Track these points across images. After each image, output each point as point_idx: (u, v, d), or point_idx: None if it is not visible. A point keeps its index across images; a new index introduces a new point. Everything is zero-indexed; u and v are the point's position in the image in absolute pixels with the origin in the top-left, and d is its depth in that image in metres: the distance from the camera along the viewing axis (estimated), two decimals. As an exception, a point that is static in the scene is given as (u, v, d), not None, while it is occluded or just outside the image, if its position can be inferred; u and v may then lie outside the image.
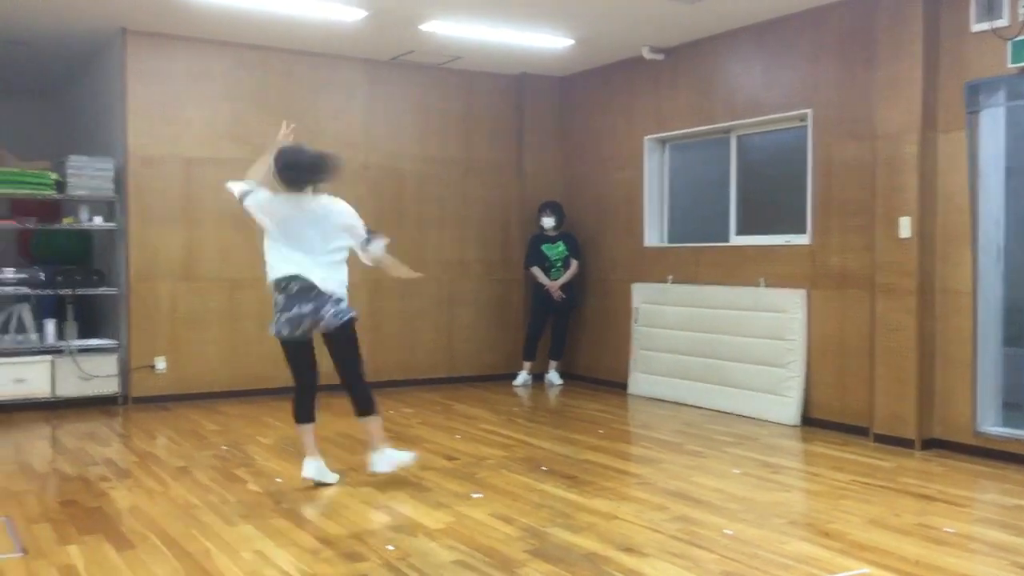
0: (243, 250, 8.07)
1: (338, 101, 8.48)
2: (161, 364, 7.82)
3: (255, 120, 8.09)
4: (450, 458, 5.78)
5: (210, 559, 3.85)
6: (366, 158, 8.61)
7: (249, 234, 8.20)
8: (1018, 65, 5.52)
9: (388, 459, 5.18)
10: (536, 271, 8.87)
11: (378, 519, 4.42)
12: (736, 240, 7.72)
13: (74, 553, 3.92)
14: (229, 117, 8.04)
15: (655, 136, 8.37)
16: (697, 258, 7.89)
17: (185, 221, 7.91)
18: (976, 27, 5.80)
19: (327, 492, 4.94)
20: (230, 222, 8.02)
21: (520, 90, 9.29)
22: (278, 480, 5.21)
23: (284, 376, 8.36)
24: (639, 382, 8.35)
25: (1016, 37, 5.50)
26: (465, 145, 9.08)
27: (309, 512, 4.55)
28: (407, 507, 4.64)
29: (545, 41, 7.87)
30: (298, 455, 5.82)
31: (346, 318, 4.99)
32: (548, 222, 8.83)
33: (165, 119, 7.80)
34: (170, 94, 7.82)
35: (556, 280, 8.80)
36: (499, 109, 9.23)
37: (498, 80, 9.20)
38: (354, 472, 5.38)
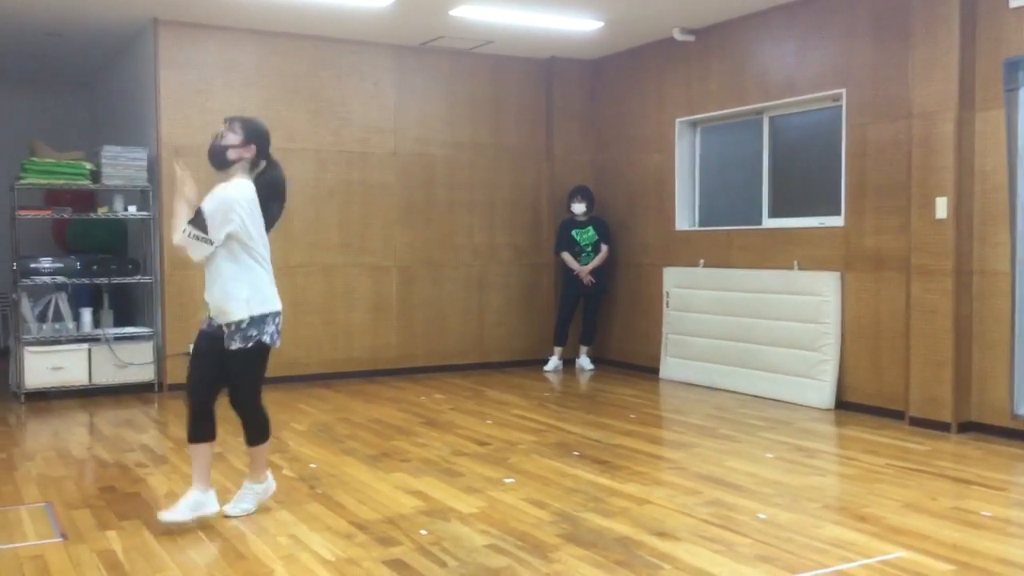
0: (275, 238, 8.03)
1: (367, 88, 8.49)
2: (196, 351, 7.90)
3: (285, 108, 8.13)
4: (482, 443, 5.80)
5: (246, 544, 3.90)
6: (396, 144, 8.62)
7: (282, 222, 8.26)
8: (1058, 40, 5.40)
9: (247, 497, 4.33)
10: (566, 256, 8.85)
11: (411, 504, 4.45)
12: (769, 223, 7.64)
13: (113, 538, 3.99)
14: (260, 104, 8.06)
15: (686, 119, 8.30)
16: (729, 241, 7.83)
17: (218, 209, 7.96)
18: (1015, 3, 5.67)
19: (361, 477, 4.97)
20: (262, 210, 8.09)
21: (550, 74, 9.25)
22: (312, 466, 5.25)
23: (318, 362, 8.54)
24: (671, 367, 8.32)
25: (1056, 12, 5.38)
26: (495, 130, 9.06)
27: (343, 497, 4.59)
28: (440, 492, 4.67)
29: (575, 24, 7.82)
30: (332, 441, 5.88)
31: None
32: (579, 208, 8.79)
33: (197, 108, 7.85)
34: (202, 83, 7.88)
35: (586, 265, 8.77)
36: (529, 93, 9.19)
37: (528, 64, 9.16)
38: (387, 458, 5.42)
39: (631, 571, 3.53)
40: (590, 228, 8.82)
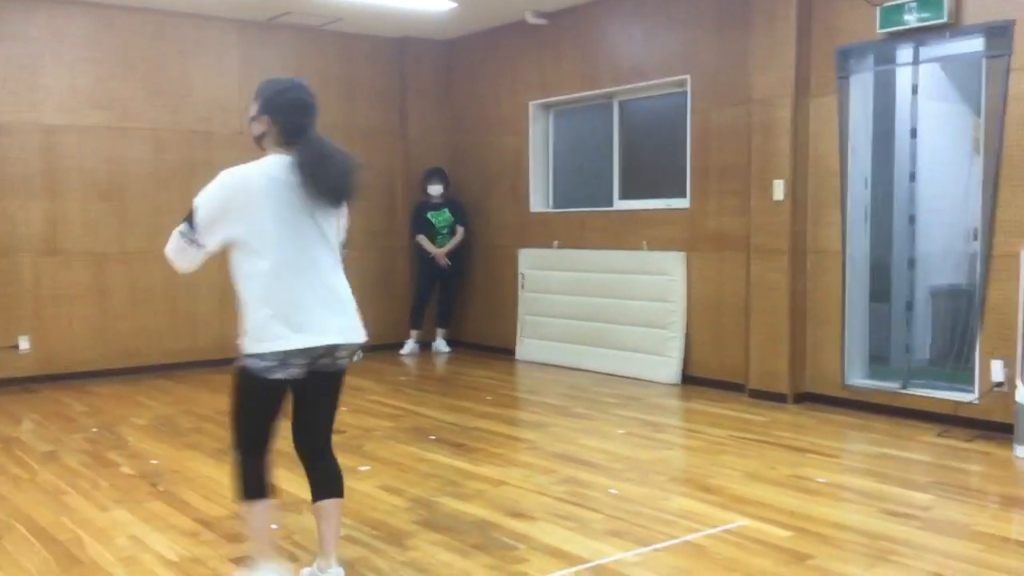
0: (110, 223, 7.70)
1: (210, 64, 8.12)
2: (24, 344, 7.40)
3: (120, 84, 7.69)
4: (336, 431, 5.66)
5: (82, 547, 3.67)
6: (241, 124, 8.30)
7: (117, 206, 7.86)
8: (886, 31, 5.71)
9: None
10: (422, 239, 8.77)
11: (261, 496, 4.30)
12: (619, 205, 7.81)
13: (-71, 548, 3.68)
14: (93, 81, 7.60)
15: (540, 102, 8.36)
16: (582, 223, 7.96)
17: (46, 192, 7.45)
18: (844, -6, 5.98)
19: (207, 472, 4.78)
20: (95, 193, 7.64)
21: (403, 54, 9.11)
22: (153, 462, 5.01)
23: (160, 352, 8.14)
24: (527, 347, 8.40)
25: (885, 3, 5.70)
26: (347, 110, 8.86)
27: (187, 494, 4.39)
28: (291, 484, 4.52)
29: (426, 3, 7.72)
30: (175, 435, 5.63)
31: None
32: (435, 189, 8.71)
33: (25, 84, 7.31)
34: (28, 58, 7.33)
35: (442, 247, 8.73)
36: (381, 74, 9.03)
37: (380, 43, 8.99)
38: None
39: (487, 554, 3.54)
40: (445, 210, 8.76)
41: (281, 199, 2.98)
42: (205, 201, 3.02)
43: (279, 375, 3.00)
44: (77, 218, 7.58)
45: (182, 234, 3.06)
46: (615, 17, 7.57)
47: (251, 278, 3.06)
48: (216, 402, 6.58)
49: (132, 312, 7.81)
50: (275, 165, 3.01)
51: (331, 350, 3.05)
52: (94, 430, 5.79)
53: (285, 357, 2.97)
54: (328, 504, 3.18)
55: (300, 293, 3.01)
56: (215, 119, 8.16)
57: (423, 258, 8.82)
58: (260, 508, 3.10)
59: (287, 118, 3.08)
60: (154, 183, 7.87)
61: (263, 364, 2.98)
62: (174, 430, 5.76)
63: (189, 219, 3.04)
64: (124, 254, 7.76)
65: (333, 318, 3.05)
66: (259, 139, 3.15)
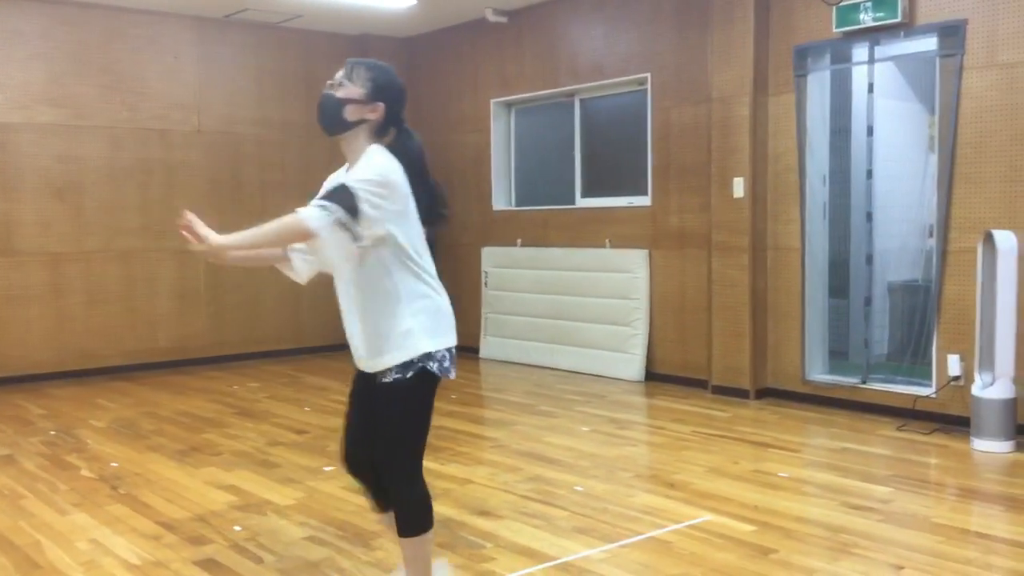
0: (65, 222, 7.57)
1: (166, 61, 8.01)
2: (-22, 346, 7.25)
3: (75, 81, 7.55)
4: (300, 432, 5.64)
5: (41, 552, 3.60)
6: (199, 122, 8.20)
7: (72, 205, 7.72)
8: (843, 30, 5.80)
9: None
10: None
11: (223, 500, 4.26)
12: (582, 203, 7.84)
13: None
14: (46, 78, 7.46)
15: (501, 99, 8.35)
16: (545, 221, 7.97)
17: (-1, 191, 7.32)
18: (802, -6, 6.05)
19: (168, 474, 4.71)
20: (49, 192, 7.50)
21: (363, 51, 9.02)
22: (114, 464, 4.93)
23: (118, 353, 8.01)
24: (491, 346, 8.40)
25: (841, 3, 5.77)
26: (307, 108, 8.76)
27: (149, 497, 4.33)
28: (254, 485, 4.50)
29: (387, 0, 7.68)
30: (135, 437, 5.54)
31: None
32: None
33: (-29, 80, 7.17)
34: (-24, 52, 7.18)
35: None
36: (340, 71, 8.95)
37: (339, 41, 8.93)
38: (196, 452, 5.16)
39: (454, 552, 3.53)
40: None
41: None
42: (370, 186, 2.52)
43: (453, 374, 2.74)
44: (31, 217, 7.43)
45: (342, 224, 2.47)
46: (575, 15, 7.59)
47: (415, 278, 2.71)
48: (178, 403, 6.51)
49: (89, 313, 7.68)
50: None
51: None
52: (52, 433, 5.69)
53: (449, 354, 2.76)
54: (386, 517, 2.92)
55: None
56: (172, 117, 8.05)
57: None
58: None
59: (398, 107, 2.74)
60: (110, 181, 7.74)
61: (446, 364, 2.72)
62: (134, 432, 5.67)
63: (338, 201, 2.48)
64: (80, 254, 7.62)
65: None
66: (349, 125, 2.70)
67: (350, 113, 2.69)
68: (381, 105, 2.70)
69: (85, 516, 4.04)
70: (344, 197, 2.48)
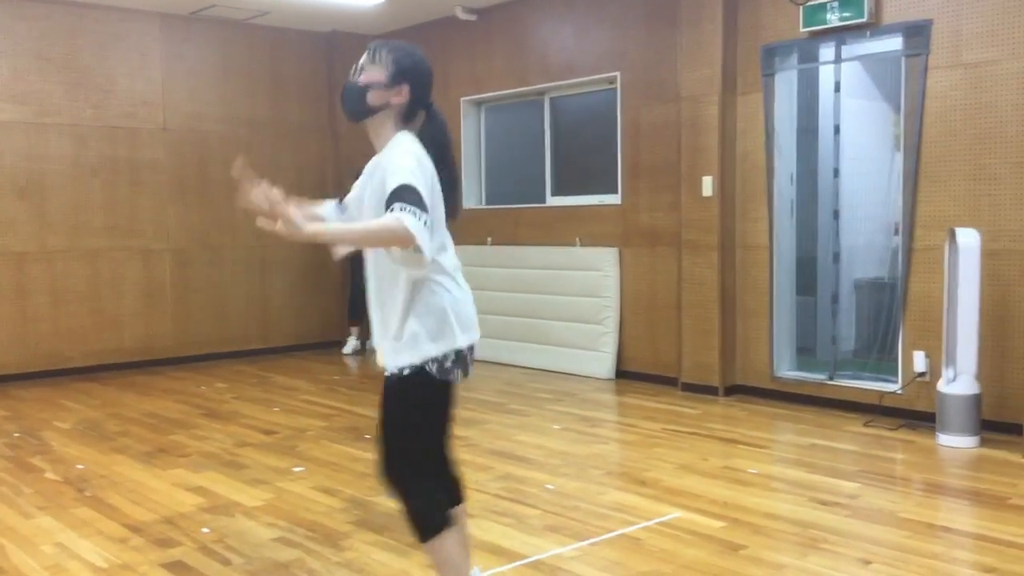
0: (29, 221, 7.45)
1: (132, 58, 7.91)
2: (-61, 347, 7.13)
3: (38, 78, 7.44)
4: (268, 432, 5.60)
5: (5, 556, 3.55)
6: (165, 119, 8.11)
7: (36, 204, 7.60)
8: (809, 29, 5.84)
9: None
10: None
11: (191, 501, 4.21)
12: (552, 201, 7.84)
13: None
14: (9, 75, 7.33)
15: (471, 98, 8.34)
16: (516, 219, 7.97)
17: (-40, 189, 7.19)
18: (769, -6, 6.10)
19: (135, 476, 4.65)
20: (12, 191, 7.38)
21: (331, 49, 9.00)
22: (79, 466, 4.86)
23: (83, 354, 7.90)
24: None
25: (808, 3, 5.82)
26: (274, 106, 8.72)
27: (115, 499, 4.27)
28: (223, 487, 4.45)
29: (355, -2, 7.64)
30: (101, 438, 5.47)
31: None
32: None
33: (-70, 76, 7.04)
34: (-65, 48, 7.05)
35: None
36: (310, 69, 8.90)
37: (308, 38, 8.86)
38: (163, 454, 5.11)
39: (424, 552, 3.51)
40: None
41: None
42: (421, 177, 2.45)
43: (454, 377, 2.67)
44: (-7, 217, 7.32)
45: (427, 225, 2.38)
46: (545, 14, 7.59)
47: (429, 272, 2.61)
48: (145, 404, 6.43)
49: (54, 313, 7.57)
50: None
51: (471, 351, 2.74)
52: (16, 435, 5.59)
53: (456, 356, 2.67)
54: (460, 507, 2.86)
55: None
56: (138, 114, 7.95)
57: (355, 252, 8.54)
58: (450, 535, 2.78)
59: (424, 89, 2.65)
60: (75, 180, 7.63)
61: (447, 365, 2.64)
62: (100, 434, 5.60)
63: (417, 203, 2.37)
64: (44, 253, 7.51)
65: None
66: (372, 111, 2.62)
67: (373, 98, 2.61)
68: (406, 87, 2.61)
69: (50, 519, 3.98)
70: (418, 198, 2.37)
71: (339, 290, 9.02)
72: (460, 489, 2.91)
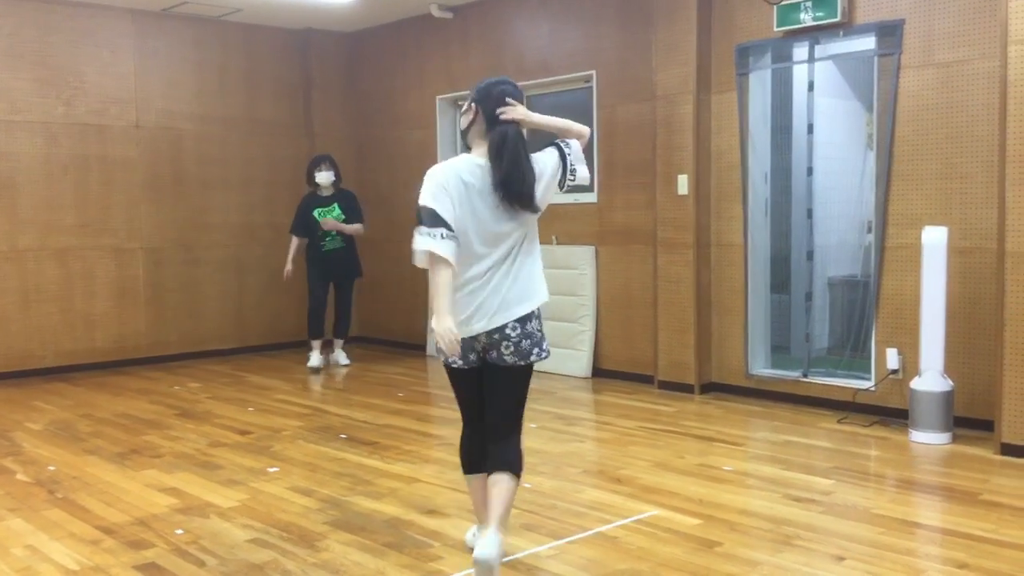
0: (1, 218, 7.36)
1: (103, 55, 7.82)
2: (-94, 348, 7.02)
3: (8, 75, 7.34)
4: (243, 432, 5.56)
5: (-28, 561, 3.50)
6: (138, 116, 8.02)
7: (6, 202, 7.49)
8: (783, 29, 5.88)
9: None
10: (294, 243, 7.72)
11: (165, 503, 4.17)
12: (527, 199, 7.82)
13: None
14: (-25, 71, 7.24)
15: (447, 96, 8.32)
16: (490, 218, 7.93)
17: (-73, 187, 7.08)
18: (742, -9, 6.12)
19: (107, 478, 4.60)
20: (-18, 188, 7.28)
21: (306, 46, 8.95)
22: (50, 468, 4.80)
23: (54, 354, 7.81)
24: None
25: (782, 2, 5.86)
26: (248, 104, 8.66)
27: (87, 500, 4.23)
28: (196, 488, 4.42)
29: (329, -5, 7.60)
30: (73, 439, 5.41)
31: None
32: (325, 177, 7.63)
33: None
34: (-99, 44, 6.94)
35: (331, 249, 7.69)
36: (284, 66, 8.85)
37: (282, 35, 8.81)
38: (136, 454, 5.06)
39: (401, 552, 3.51)
40: (335, 206, 7.68)
41: (469, 203, 3.13)
42: (423, 200, 3.13)
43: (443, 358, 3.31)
44: (-39, 215, 7.22)
45: (438, 237, 3.04)
46: (521, 12, 7.59)
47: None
48: (117, 405, 6.36)
49: (24, 313, 7.47)
50: (466, 166, 3.17)
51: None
52: (-17, 438, 5.52)
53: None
54: (494, 476, 3.21)
55: (487, 298, 3.22)
56: (110, 111, 7.86)
57: (314, 260, 7.74)
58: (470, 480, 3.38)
59: (487, 104, 3.19)
60: (46, 178, 7.53)
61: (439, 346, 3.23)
62: (72, 435, 5.53)
63: (427, 222, 3.07)
64: (14, 252, 7.41)
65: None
66: (465, 133, 3.28)
67: (461, 124, 3.31)
68: (474, 106, 3.22)
69: (21, 521, 3.93)
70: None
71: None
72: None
